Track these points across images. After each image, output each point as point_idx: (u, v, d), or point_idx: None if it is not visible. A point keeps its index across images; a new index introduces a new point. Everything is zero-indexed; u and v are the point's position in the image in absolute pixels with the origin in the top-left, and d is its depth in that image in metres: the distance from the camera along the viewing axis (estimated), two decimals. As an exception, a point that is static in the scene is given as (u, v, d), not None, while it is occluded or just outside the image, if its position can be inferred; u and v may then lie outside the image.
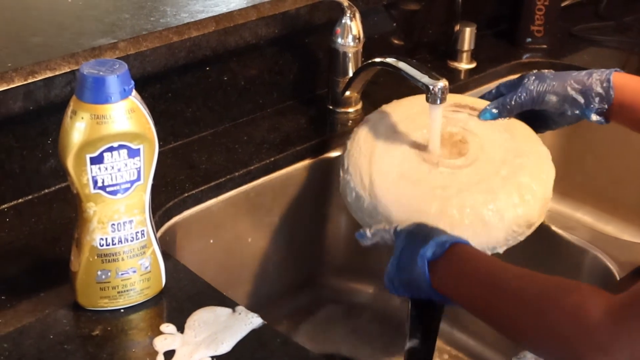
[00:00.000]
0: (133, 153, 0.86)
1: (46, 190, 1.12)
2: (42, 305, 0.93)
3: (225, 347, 0.87)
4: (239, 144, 1.26)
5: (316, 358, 0.88)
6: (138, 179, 0.87)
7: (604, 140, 1.49)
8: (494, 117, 1.14)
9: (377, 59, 1.21)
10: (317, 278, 1.35)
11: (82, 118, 0.83)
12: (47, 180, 1.11)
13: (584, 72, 1.10)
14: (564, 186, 1.57)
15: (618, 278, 1.11)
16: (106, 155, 0.84)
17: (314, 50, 1.38)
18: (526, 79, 1.13)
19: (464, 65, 1.54)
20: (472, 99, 1.21)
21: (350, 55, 1.31)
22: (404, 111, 1.17)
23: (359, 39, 1.31)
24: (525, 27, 1.62)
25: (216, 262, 1.21)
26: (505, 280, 0.84)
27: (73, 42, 1.11)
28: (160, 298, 0.95)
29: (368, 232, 1.01)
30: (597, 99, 1.08)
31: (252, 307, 0.93)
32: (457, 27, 1.53)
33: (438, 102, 1.07)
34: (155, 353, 0.86)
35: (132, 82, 0.84)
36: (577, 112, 1.10)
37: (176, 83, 1.22)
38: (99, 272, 0.90)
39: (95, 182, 0.85)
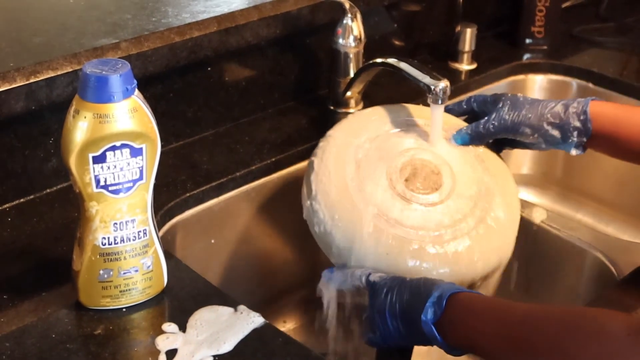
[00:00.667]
0: (135, 152, 0.86)
1: (48, 190, 1.12)
2: (44, 304, 0.93)
3: (227, 347, 0.87)
4: (241, 144, 1.26)
5: (318, 357, 0.88)
6: (140, 178, 0.88)
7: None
8: (466, 144, 1.10)
9: (379, 60, 1.21)
10: (319, 278, 1.35)
11: (85, 117, 0.83)
12: (49, 180, 1.12)
13: (559, 105, 1.06)
14: (564, 187, 1.57)
15: (618, 278, 1.11)
16: (109, 154, 0.84)
17: (315, 50, 1.38)
18: (501, 104, 1.09)
19: (465, 66, 1.54)
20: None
21: (351, 55, 1.31)
22: (374, 128, 1.12)
23: (360, 39, 1.31)
24: (526, 28, 1.62)
25: (218, 262, 1.21)
26: (518, 323, 0.82)
27: (75, 42, 1.11)
28: (162, 297, 0.95)
29: (337, 274, 1.00)
30: (575, 133, 1.05)
31: (254, 307, 0.93)
32: (458, 28, 1.53)
33: (440, 102, 1.07)
34: (158, 352, 0.86)
35: (135, 82, 0.85)
36: (553, 146, 1.08)
37: (178, 83, 1.22)
38: (101, 271, 0.90)
39: (97, 181, 0.86)
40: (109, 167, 0.85)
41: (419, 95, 1.36)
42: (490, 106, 1.11)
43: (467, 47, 1.53)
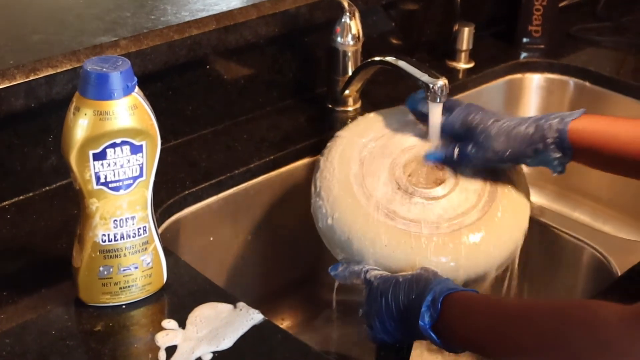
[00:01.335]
0: (136, 149, 0.86)
1: (47, 188, 1.12)
2: (44, 301, 0.93)
3: (226, 343, 0.88)
4: (239, 142, 1.26)
5: (316, 354, 0.88)
6: (140, 175, 0.88)
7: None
8: (438, 162, 1.06)
9: (377, 58, 1.22)
10: (317, 275, 1.35)
11: (85, 114, 0.83)
12: (49, 178, 1.12)
13: (537, 136, 1.00)
14: (561, 186, 1.58)
15: (615, 276, 1.11)
16: (109, 151, 0.85)
17: (314, 49, 1.38)
18: (478, 135, 1.02)
19: (462, 64, 1.55)
20: None
21: (349, 54, 1.32)
22: (380, 128, 1.13)
23: (358, 38, 1.31)
24: (523, 27, 1.62)
25: (217, 259, 1.21)
26: (512, 318, 0.82)
27: (74, 39, 1.11)
28: (161, 294, 0.95)
29: (340, 269, 1.00)
30: (556, 163, 1.01)
31: (253, 304, 0.93)
32: (456, 27, 1.54)
33: (438, 100, 1.08)
34: (157, 349, 0.87)
35: (135, 79, 0.85)
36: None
37: (176, 81, 1.22)
38: (101, 268, 0.90)
39: (98, 178, 0.86)
40: (109, 164, 0.85)
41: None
42: (468, 132, 1.05)
43: (464, 46, 1.54)
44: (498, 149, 1.02)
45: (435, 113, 1.09)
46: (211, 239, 1.20)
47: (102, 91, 0.83)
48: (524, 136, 1.01)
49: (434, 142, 1.09)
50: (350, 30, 1.30)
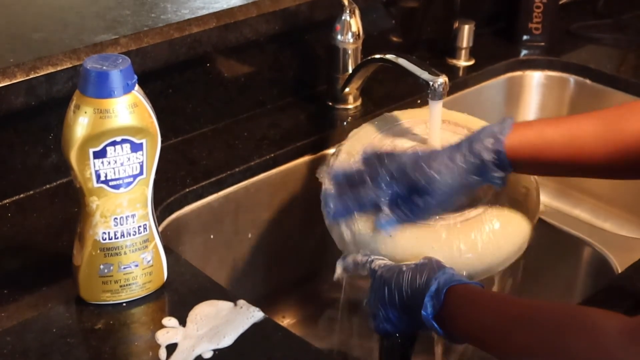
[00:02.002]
0: (136, 147, 0.86)
1: (47, 186, 1.12)
2: (45, 299, 0.93)
3: (227, 341, 0.88)
4: (239, 140, 1.26)
5: (317, 351, 0.89)
6: (141, 173, 0.88)
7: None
8: (393, 227, 0.99)
9: (377, 56, 1.22)
10: (318, 273, 1.35)
11: (86, 112, 0.83)
12: (49, 176, 1.12)
13: (476, 164, 0.94)
14: (562, 183, 1.58)
15: (616, 273, 1.12)
16: (109, 149, 0.85)
17: (314, 47, 1.38)
18: (416, 181, 0.96)
19: (463, 62, 1.55)
20: (465, 117, 1.16)
21: (349, 52, 1.32)
22: (389, 126, 1.13)
23: (358, 35, 1.31)
24: (524, 25, 1.62)
25: (217, 257, 1.21)
26: (514, 317, 0.82)
27: (74, 38, 1.11)
28: (162, 292, 0.95)
29: (347, 260, 1.00)
30: (497, 180, 0.96)
31: (253, 301, 0.93)
32: (456, 25, 1.53)
33: (438, 98, 1.08)
34: (158, 346, 0.87)
35: (135, 77, 0.85)
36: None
37: (177, 79, 1.22)
38: (102, 266, 0.90)
39: (98, 176, 0.86)
40: (109, 162, 0.85)
41: (417, 91, 1.37)
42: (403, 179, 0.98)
43: (464, 44, 1.53)
44: (443, 190, 0.96)
45: (436, 111, 1.09)
46: (211, 236, 1.20)
47: (102, 89, 0.83)
48: (462, 169, 0.95)
49: (434, 140, 1.09)
50: (351, 28, 1.30)
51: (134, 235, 0.90)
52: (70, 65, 1.06)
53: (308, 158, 1.28)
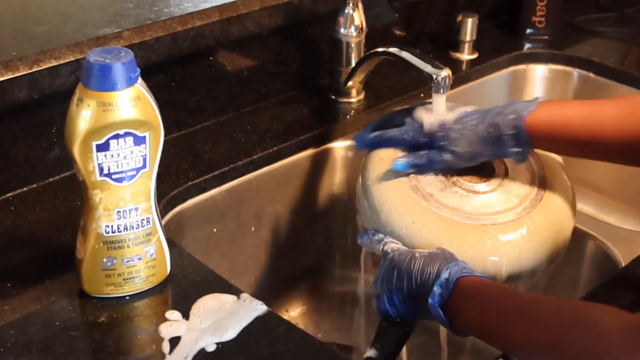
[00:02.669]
0: (139, 140, 0.86)
1: (51, 179, 1.12)
2: (48, 292, 0.93)
3: (230, 334, 0.88)
4: (242, 134, 1.26)
5: (320, 345, 0.89)
6: (144, 166, 0.88)
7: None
8: (407, 170, 1.02)
9: (380, 49, 1.22)
10: (320, 266, 1.35)
11: (89, 105, 0.83)
12: (52, 169, 1.12)
13: (494, 135, 0.98)
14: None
15: (621, 266, 1.11)
16: (112, 142, 0.85)
17: (317, 40, 1.38)
18: (439, 139, 1.01)
19: (466, 55, 1.54)
20: None
21: (352, 45, 1.31)
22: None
23: (361, 29, 1.31)
24: (527, 18, 1.62)
25: (220, 251, 1.21)
26: (519, 311, 0.82)
27: (77, 31, 1.11)
28: (165, 285, 0.95)
29: (366, 238, 1.00)
30: (516, 155, 1.00)
31: (256, 295, 0.93)
32: (459, 18, 1.53)
33: (441, 91, 1.08)
34: (161, 339, 0.87)
35: (138, 70, 0.85)
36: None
37: (180, 73, 1.22)
38: (105, 260, 0.90)
39: (101, 170, 0.86)
40: (112, 155, 0.85)
41: (421, 84, 1.37)
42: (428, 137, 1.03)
43: (468, 37, 1.53)
44: (459, 152, 1.00)
45: (439, 104, 1.09)
46: (215, 230, 1.20)
47: (105, 82, 0.83)
48: (482, 138, 0.99)
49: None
50: (354, 22, 1.30)
51: (137, 228, 0.90)
52: (73, 59, 1.06)
53: (311, 151, 1.28)
